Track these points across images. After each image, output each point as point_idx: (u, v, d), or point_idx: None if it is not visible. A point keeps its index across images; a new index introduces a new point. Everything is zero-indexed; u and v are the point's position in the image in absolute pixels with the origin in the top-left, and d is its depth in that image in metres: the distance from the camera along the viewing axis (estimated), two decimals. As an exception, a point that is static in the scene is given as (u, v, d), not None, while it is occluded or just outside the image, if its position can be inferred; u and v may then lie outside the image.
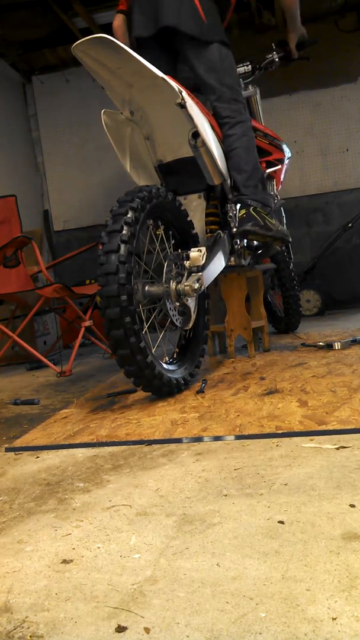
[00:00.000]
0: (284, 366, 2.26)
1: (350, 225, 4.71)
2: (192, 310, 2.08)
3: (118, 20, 2.45)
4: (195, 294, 2.01)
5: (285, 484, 1.07)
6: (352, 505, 0.94)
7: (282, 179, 2.89)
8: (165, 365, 2.01)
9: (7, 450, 1.58)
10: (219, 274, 2.25)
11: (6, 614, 0.74)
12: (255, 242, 2.54)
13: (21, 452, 1.54)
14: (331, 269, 4.89)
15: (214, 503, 1.03)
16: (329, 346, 2.54)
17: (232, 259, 2.42)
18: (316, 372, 2.06)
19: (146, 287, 1.93)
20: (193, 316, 2.09)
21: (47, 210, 5.61)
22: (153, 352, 1.88)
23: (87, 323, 2.97)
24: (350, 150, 5.03)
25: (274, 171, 2.76)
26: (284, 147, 2.86)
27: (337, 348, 2.50)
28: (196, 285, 1.98)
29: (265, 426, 1.46)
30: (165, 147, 2.27)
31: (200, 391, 1.96)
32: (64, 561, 0.87)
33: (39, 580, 0.83)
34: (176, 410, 1.75)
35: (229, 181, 2.31)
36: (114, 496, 1.12)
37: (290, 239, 2.51)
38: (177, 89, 1.97)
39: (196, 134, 2.07)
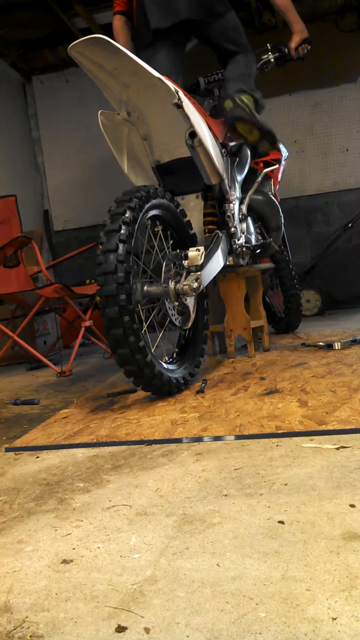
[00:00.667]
0: (284, 366, 2.26)
1: (350, 225, 4.71)
2: (191, 309, 2.08)
3: (118, 22, 2.45)
4: (194, 294, 2.01)
5: (285, 484, 1.07)
6: (352, 505, 0.94)
7: (279, 179, 2.89)
8: (165, 365, 2.01)
9: (7, 450, 1.58)
10: (217, 274, 2.25)
11: (6, 614, 0.74)
12: (253, 241, 2.53)
13: (21, 452, 1.54)
14: (331, 269, 4.89)
15: (214, 503, 1.03)
16: (329, 346, 2.54)
17: (231, 258, 2.42)
18: (316, 372, 2.06)
19: (145, 287, 1.93)
20: (192, 316, 2.09)
21: (47, 210, 5.62)
22: (153, 351, 1.89)
23: (87, 323, 2.97)
24: (350, 150, 5.03)
25: (272, 171, 2.77)
26: (281, 147, 2.86)
27: (337, 348, 2.50)
28: (195, 285, 1.99)
29: (265, 426, 1.46)
30: (163, 148, 2.27)
31: (200, 391, 1.96)
32: (64, 561, 0.87)
33: (39, 580, 0.83)
34: (176, 410, 1.75)
35: (226, 181, 2.31)
36: (114, 496, 1.12)
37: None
38: (173, 89, 1.97)
39: (193, 134, 2.07)
